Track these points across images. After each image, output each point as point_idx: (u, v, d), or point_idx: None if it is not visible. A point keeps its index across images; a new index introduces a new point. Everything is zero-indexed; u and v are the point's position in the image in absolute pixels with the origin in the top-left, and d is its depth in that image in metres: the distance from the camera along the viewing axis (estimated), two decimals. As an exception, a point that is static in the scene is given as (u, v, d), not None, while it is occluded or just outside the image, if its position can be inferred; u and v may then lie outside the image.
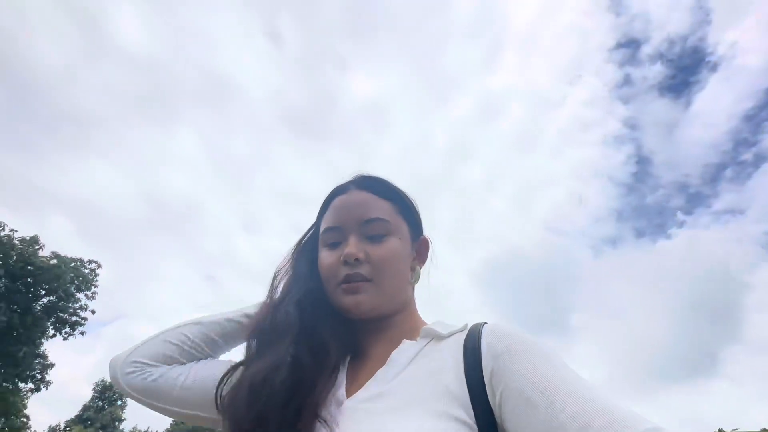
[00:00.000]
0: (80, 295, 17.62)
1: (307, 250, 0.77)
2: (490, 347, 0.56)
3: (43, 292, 16.51)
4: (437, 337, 0.65)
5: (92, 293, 18.04)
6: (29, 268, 15.56)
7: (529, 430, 0.48)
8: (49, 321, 16.72)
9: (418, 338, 0.67)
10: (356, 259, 0.68)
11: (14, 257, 15.35)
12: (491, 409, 0.53)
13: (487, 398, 0.53)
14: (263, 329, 0.69)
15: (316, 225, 0.78)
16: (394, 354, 0.64)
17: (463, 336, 0.61)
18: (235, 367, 0.68)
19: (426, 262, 0.78)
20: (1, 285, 14.96)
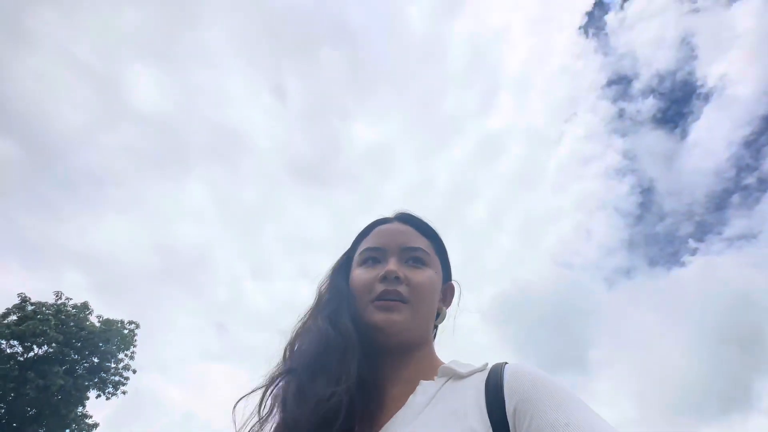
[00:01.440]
0: (121, 355, 18.78)
1: (343, 270, 0.78)
2: (513, 388, 0.56)
3: (86, 353, 17.69)
4: (456, 377, 0.64)
5: (131, 353, 19.20)
6: (82, 332, 16.85)
7: None
8: (92, 381, 17.81)
9: (435, 378, 0.66)
10: (396, 277, 0.69)
11: (71, 324, 16.68)
12: None
13: None
14: (320, 342, 0.67)
15: (352, 250, 0.80)
16: (412, 397, 0.62)
17: (483, 376, 0.61)
18: (276, 377, 0.67)
19: (450, 307, 0.80)
20: (59, 350, 16.19)
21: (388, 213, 0.81)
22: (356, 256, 0.76)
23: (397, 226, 0.77)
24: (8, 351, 15.49)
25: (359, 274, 0.72)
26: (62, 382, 15.52)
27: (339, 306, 0.71)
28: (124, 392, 18.57)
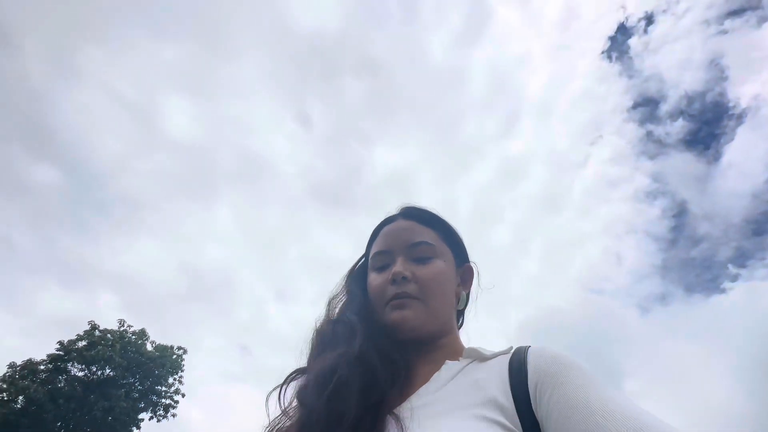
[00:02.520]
0: (171, 379, 20.04)
1: (358, 277, 0.81)
2: (536, 365, 0.57)
3: (142, 377, 19.01)
4: (480, 358, 0.66)
5: (179, 377, 20.45)
6: (141, 358, 18.23)
7: None
8: (143, 404, 19.05)
9: (460, 358, 0.68)
10: (403, 278, 0.71)
11: (131, 349, 18.10)
12: (537, 422, 0.53)
13: (533, 411, 0.54)
14: (324, 337, 0.71)
15: (366, 255, 0.83)
16: (437, 374, 0.65)
17: (507, 357, 0.63)
18: (299, 371, 0.69)
19: (472, 288, 0.81)
20: (120, 374, 17.55)
21: (394, 210, 0.82)
22: (369, 261, 0.79)
23: (400, 223, 0.78)
24: (76, 374, 16.90)
25: (373, 280, 0.75)
26: (124, 404, 16.82)
27: (346, 308, 0.75)
28: (173, 415, 19.77)
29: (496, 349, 0.67)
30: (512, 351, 0.64)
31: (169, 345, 20.24)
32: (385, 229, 0.79)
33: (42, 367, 16.39)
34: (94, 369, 17.12)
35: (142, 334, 18.90)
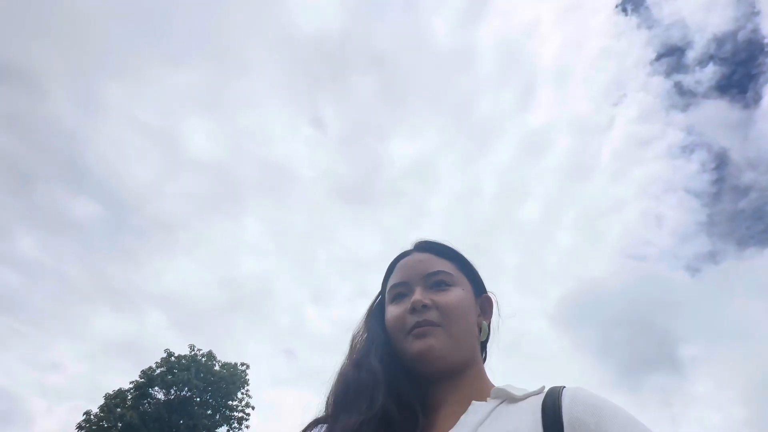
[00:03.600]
0: (239, 394, 21.68)
1: (377, 313, 0.79)
2: (572, 412, 0.54)
3: (215, 394, 20.69)
4: (510, 399, 0.62)
5: (246, 391, 22.08)
6: (212, 377, 19.89)
7: None
8: (219, 419, 20.75)
9: (488, 399, 0.64)
10: (423, 305, 0.69)
11: (203, 371, 19.77)
12: None
13: None
14: (348, 385, 0.69)
15: (382, 291, 0.82)
16: (464, 417, 0.61)
17: (540, 398, 0.59)
18: (317, 422, 0.69)
19: (492, 319, 0.79)
20: (197, 393, 19.25)
21: (408, 245, 0.83)
22: (387, 295, 0.78)
23: (417, 256, 0.78)
24: (159, 397, 18.64)
25: (391, 311, 0.74)
26: (206, 421, 18.50)
27: (368, 349, 0.72)
28: (247, 426, 21.43)
29: (528, 387, 0.64)
30: (545, 392, 0.60)
31: (233, 362, 21.89)
32: (401, 262, 0.79)
33: (129, 394, 18.17)
34: (173, 391, 18.81)
35: (210, 355, 20.54)
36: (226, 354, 19.99)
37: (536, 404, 0.58)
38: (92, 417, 17.17)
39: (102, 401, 17.67)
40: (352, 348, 0.77)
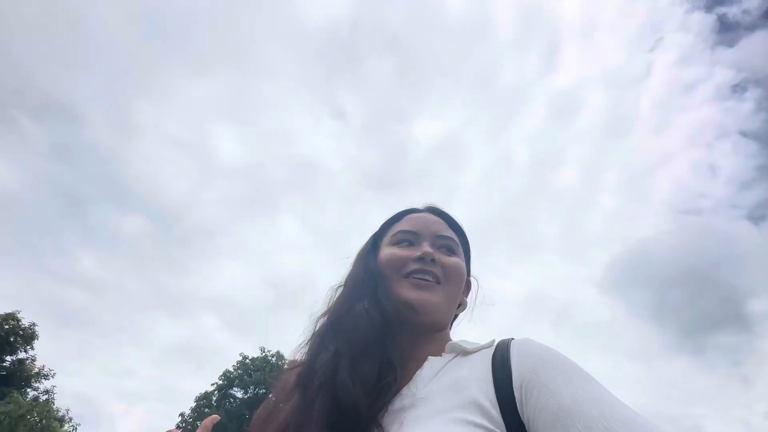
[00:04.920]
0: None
1: (372, 253, 0.79)
2: (521, 362, 0.56)
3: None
4: (463, 353, 0.65)
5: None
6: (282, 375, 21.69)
7: None
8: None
9: (443, 354, 0.67)
10: (432, 259, 0.71)
11: (275, 371, 21.55)
12: (522, 423, 0.51)
13: (518, 412, 0.52)
14: (340, 323, 0.69)
15: (379, 234, 0.82)
16: (419, 371, 0.63)
17: (490, 351, 0.62)
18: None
19: (466, 301, 0.82)
20: (270, 392, 21.02)
21: (418, 205, 0.85)
22: (387, 238, 0.79)
23: (429, 216, 0.80)
24: (237, 396, 20.55)
25: (393, 252, 0.74)
26: (283, 415, 20.34)
27: (376, 286, 0.72)
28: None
29: (480, 341, 0.66)
30: (495, 345, 0.63)
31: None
32: (412, 215, 0.81)
33: (213, 396, 20.13)
34: (251, 390, 20.65)
35: (279, 355, 22.33)
36: (273, 348, 21.67)
37: (487, 356, 0.61)
38: (187, 418, 19.22)
39: (171, 400, 19.60)
40: (355, 279, 0.76)
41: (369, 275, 0.74)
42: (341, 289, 0.78)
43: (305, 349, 0.71)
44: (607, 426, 0.45)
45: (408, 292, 0.70)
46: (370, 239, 0.83)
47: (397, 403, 0.60)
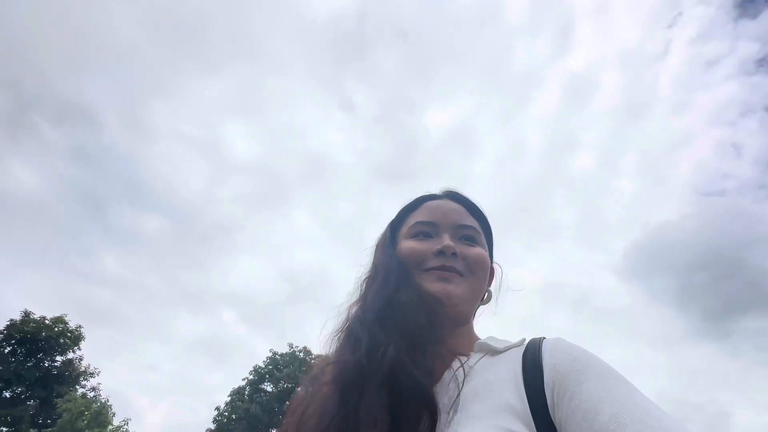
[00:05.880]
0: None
1: (390, 243, 0.77)
2: (552, 362, 0.55)
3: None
4: (492, 352, 0.64)
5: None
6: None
7: None
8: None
9: (472, 354, 0.65)
10: (454, 253, 0.69)
11: (303, 366, 22.58)
12: (553, 424, 0.51)
13: (548, 413, 0.51)
14: (394, 310, 0.66)
15: (396, 222, 0.80)
16: (448, 372, 0.62)
17: (520, 350, 0.61)
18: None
19: (491, 288, 0.79)
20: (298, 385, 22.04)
21: (435, 190, 0.82)
22: (405, 229, 0.77)
23: (448, 203, 0.77)
24: (268, 390, 21.61)
25: (411, 246, 0.73)
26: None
27: (405, 277, 0.70)
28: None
29: (511, 339, 0.65)
30: (526, 344, 0.62)
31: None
32: (430, 203, 0.78)
33: (246, 390, 21.23)
34: (281, 384, 21.70)
35: (306, 351, 23.34)
36: (297, 344, 22.59)
37: (517, 356, 0.60)
38: (222, 411, 20.35)
39: (194, 394, 20.58)
40: (376, 269, 0.74)
41: (396, 265, 0.72)
42: (368, 280, 0.75)
43: (338, 342, 0.67)
44: (639, 430, 0.44)
45: (430, 285, 0.68)
46: (387, 228, 0.81)
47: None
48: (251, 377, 21.63)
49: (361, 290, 0.74)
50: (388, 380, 0.57)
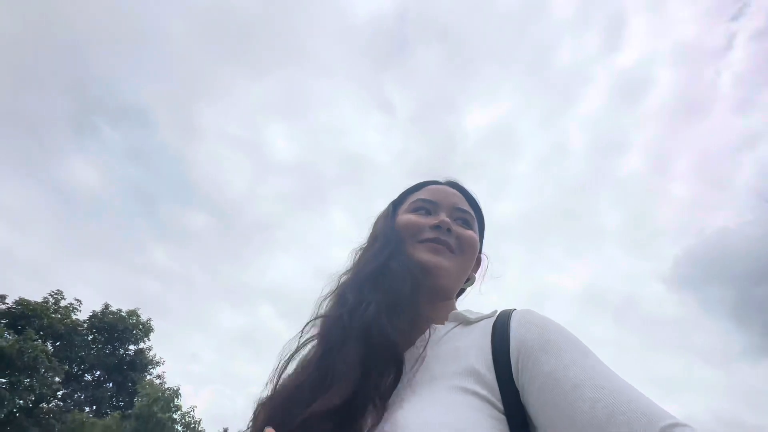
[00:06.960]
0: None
1: (391, 218, 0.81)
2: (519, 331, 0.57)
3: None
4: (465, 322, 0.67)
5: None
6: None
7: (554, 414, 0.48)
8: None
9: (445, 323, 0.69)
10: (449, 229, 0.74)
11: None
12: (517, 391, 0.53)
13: (513, 378, 0.53)
14: (392, 277, 0.69)
15: (398, 201, 0.86)
16: (420, 339, 0.65)
17: (491, 321, 0.63)
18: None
19: (476, 276, 0.85)
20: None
21: (440, 178, 0.87)
22: (406, 205, 0.82)
23: (449, 189, 0.83)
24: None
25: (409, 218, 0.77)
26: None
27: (399, 247, 0.74)
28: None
29: (484, 311, 0.67)
30: (496, 315, 0.64)
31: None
32: (433, 186, 0.84)
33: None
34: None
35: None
36: None
37: (488, 325, 0.63)
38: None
39: (234, 384, 21.68)
40: (374, 240, 0.78)
41: (394, 235, 0.76)
42: (364, 249, 0.79)
43: (329, 302, 0.71)
44: (599, 397, 0.45)
45: (422, 254, 0.73)
46: (389, 205, 0.86)
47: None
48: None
49: (354, 258, 0.79)
50: (364, 334, 0.61)
